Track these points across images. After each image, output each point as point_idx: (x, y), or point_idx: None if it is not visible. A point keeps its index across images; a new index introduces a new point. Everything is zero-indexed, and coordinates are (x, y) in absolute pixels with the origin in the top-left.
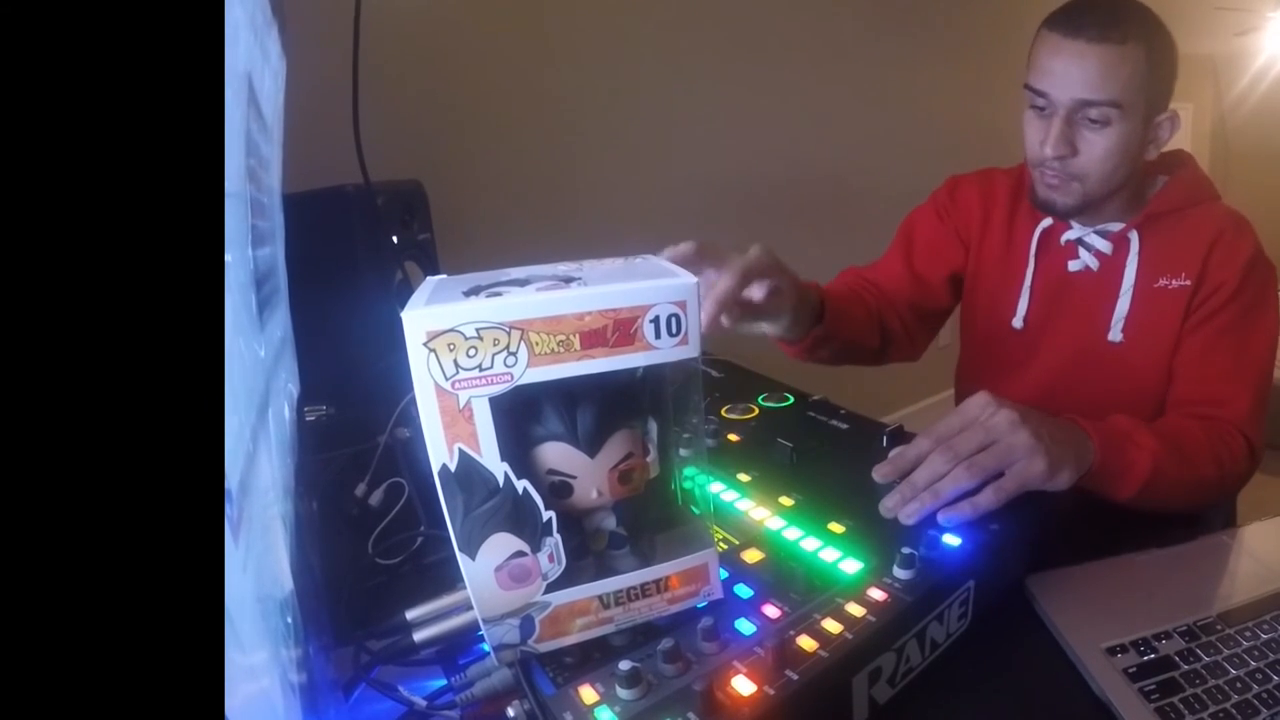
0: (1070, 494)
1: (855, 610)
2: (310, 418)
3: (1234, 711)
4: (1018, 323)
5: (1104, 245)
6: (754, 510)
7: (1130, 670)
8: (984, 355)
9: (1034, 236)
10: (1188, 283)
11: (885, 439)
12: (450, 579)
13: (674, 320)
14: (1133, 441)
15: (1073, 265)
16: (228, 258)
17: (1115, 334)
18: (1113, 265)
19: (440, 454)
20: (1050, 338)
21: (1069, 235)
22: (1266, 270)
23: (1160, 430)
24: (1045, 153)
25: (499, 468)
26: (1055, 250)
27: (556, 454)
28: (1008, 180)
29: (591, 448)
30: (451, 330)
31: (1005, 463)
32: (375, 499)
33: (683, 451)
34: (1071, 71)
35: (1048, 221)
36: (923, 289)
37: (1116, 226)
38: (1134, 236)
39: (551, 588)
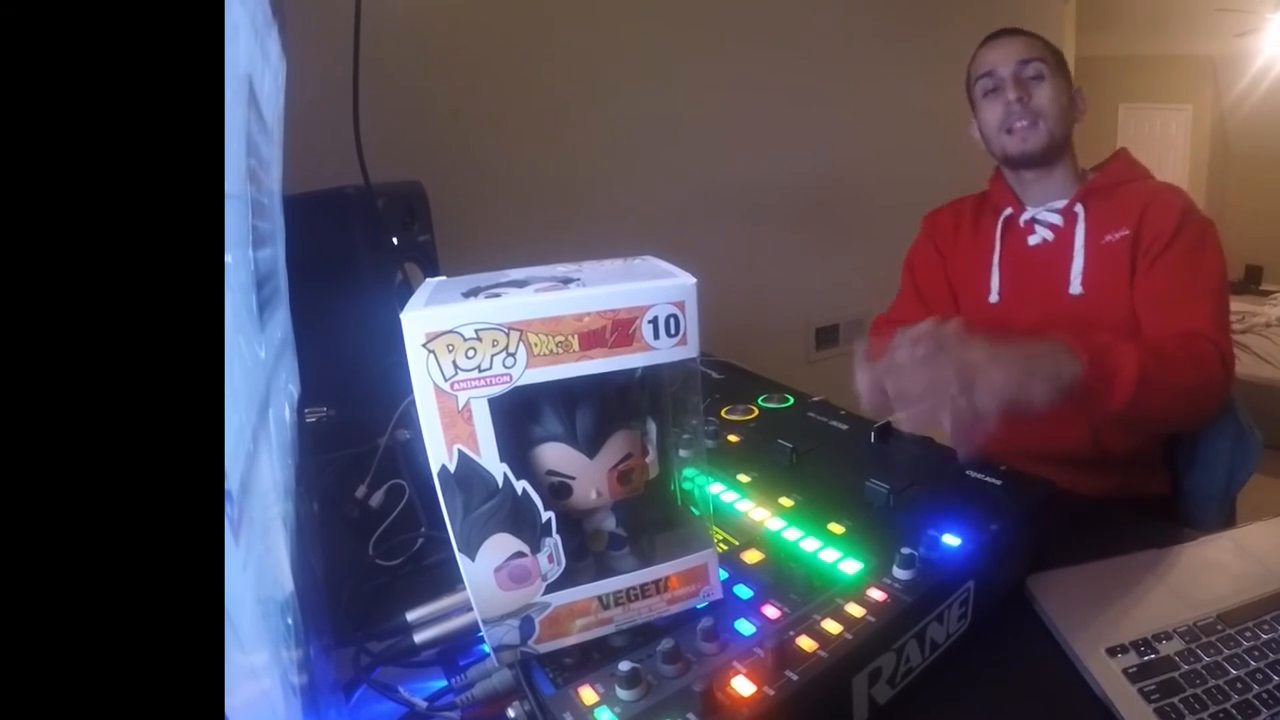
0: (1070, 495)
1: (855, 610)
2: (311, 419)
3: (1234, 712)
4: (993, 298)
5: (1055, 218)
6: (754, 511)
7: (1130, 670)
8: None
9: (998, 226)
10: (1127, 233)
11: (874, 435)
12: (450, 580)
13: (673, 321)
14: (1116, 350)
15: (1031, 240)
16: (228, 259)
17: (1075, 287)
18: (1065, 234)
19: (440, 455)
20: (1022, 305)
21: (1025, 216)
22: (1202, 220)
23: (1144, 344)
24: (1010, 98)
25: (498, 468)
26: (1016, 231)
27: (556, 455)
28: (971, 199)
29: (591, 448)
30: (450, 331)
31: (965, 378)
32: (376, 500)
33: (682, 452)
34: (1006, 48)
35: (1008, 211)
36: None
37: (1063, 203)
38: (1080, 209)
39: (551, 588)
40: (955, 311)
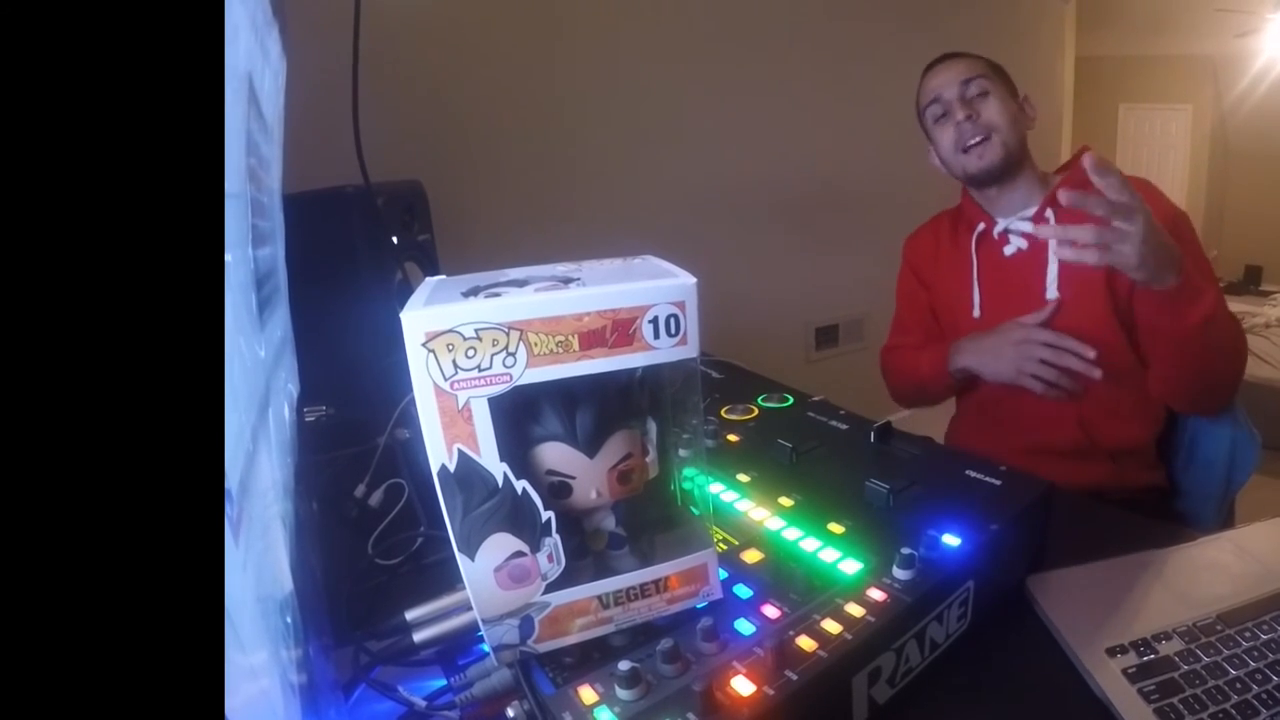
0: (1070, 495)
1: (855, 610)
2: (310, 418)
3: (1234, 712)
4: (975, 313)
5: (1027, 226)
6: (753, 510)
7: (1130, 670)
8: None
9: (972, 241)
10: None
11: (874, 435)
12: (450, 579)
13: (673, 320)
14: (1205, 285)
15: (1007, 250)
16: (228, 258)
17: (1051, 292)
18: (1038, 242)
19: (439, 454)
20: (1003, 315)
21: (998, 229)
22: (1181, 216)
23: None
24: (959, 118)
25: (498, 468)
26: (991, 244)
27: (555, 454)
28: (947, 215)
29: (590, 448)
30: (450, 331)
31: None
32: (375, 499)
33: (682, 452)
34: (946, 74)
35: (981, 226)
36: (933, 333)
37: (1033, 210)
38: (1050, 214)
39: (551, 588)
40: (941, 334)
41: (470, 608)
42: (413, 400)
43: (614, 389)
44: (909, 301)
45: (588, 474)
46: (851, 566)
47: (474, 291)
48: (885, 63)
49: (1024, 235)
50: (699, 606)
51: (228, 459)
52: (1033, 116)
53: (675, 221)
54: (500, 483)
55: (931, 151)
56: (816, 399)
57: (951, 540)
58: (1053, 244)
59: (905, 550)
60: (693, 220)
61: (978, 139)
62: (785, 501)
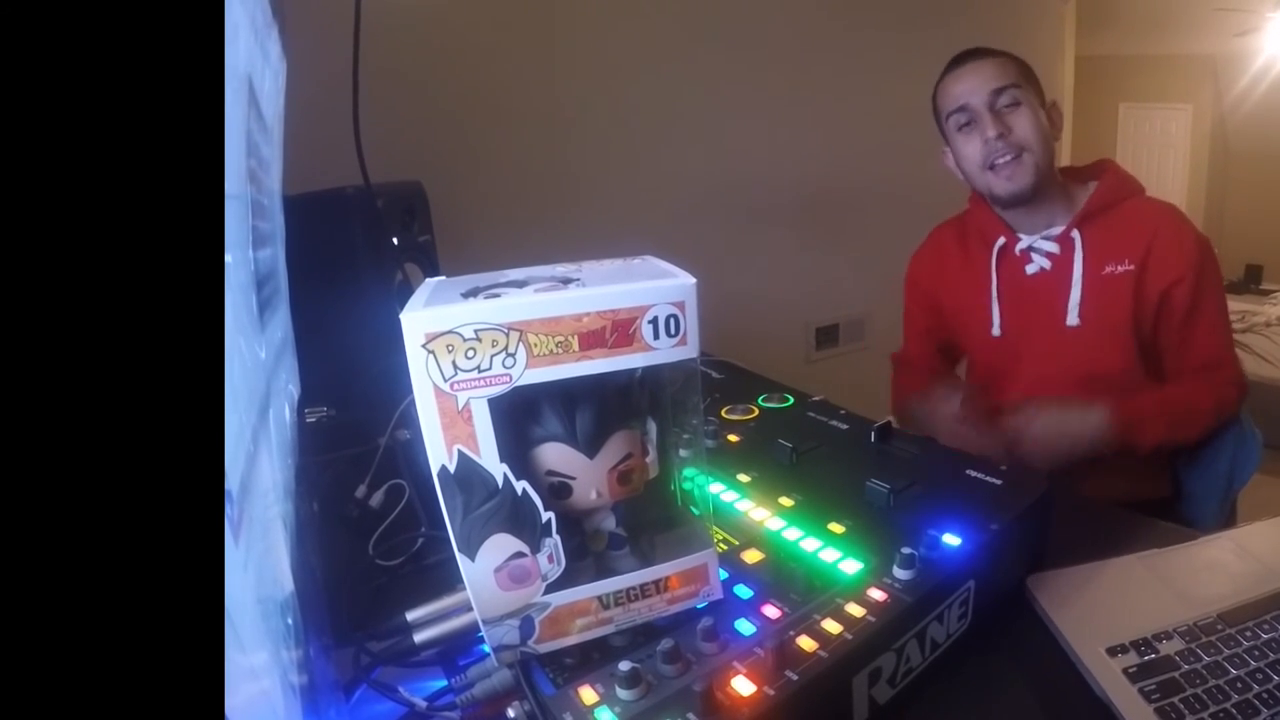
0: (1071, 495)
1: (855, 610)
2: (311, 419)
3: (1234, 711)
4: (995, 331)
5: (1052, 246)
6: (754, 510)
7: (1130, 670)
8: (976, 366)
9: (992, 256)
10: (1131, 268)
11: (874, 435)
12: (450, 580)
13: (672, 321)
14: (1142, 429)
15: (1029, 269)
16: (228, 259)
17: (1072, 318)
18: (1064, 262)
19: (439, 455)
20: (1024, 337)
21: (1021, 246)
22: (1209, 249)
23: (1173, 399)
24: (990, 135)
25: (498, 469)
26: (1012, 261)
27: (555, 455)
28: (951, 228)
29: (590, 448)
30: (450, 332)
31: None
32: (376, 500)
33: (682, 452)
34: (976, 77)
35: (1001, 241)
36: (943, 346)
37: (1059, 229)
38: (1076, 235)
39: (551, 588)
40: (960, 348)
41: (470, 608)
42: (413, 401)
43: (614, 389)
44: (922, 317)
45: (588, 474)
46: (852, 566)
47: (474, 292)
48: (885, 62)
49: (1047, 255)
50: (699, 606)
51: (228, 460)
52: (1060, 125)
53: (675, 221)
54: (500, 483)
55: (948, 154)
56: (816, 399)
57: (952, 540)
58: (1077, 267)
59: (906, 550)
60: (693, 220)
61: (1007, 157)
62: (785, 501)
